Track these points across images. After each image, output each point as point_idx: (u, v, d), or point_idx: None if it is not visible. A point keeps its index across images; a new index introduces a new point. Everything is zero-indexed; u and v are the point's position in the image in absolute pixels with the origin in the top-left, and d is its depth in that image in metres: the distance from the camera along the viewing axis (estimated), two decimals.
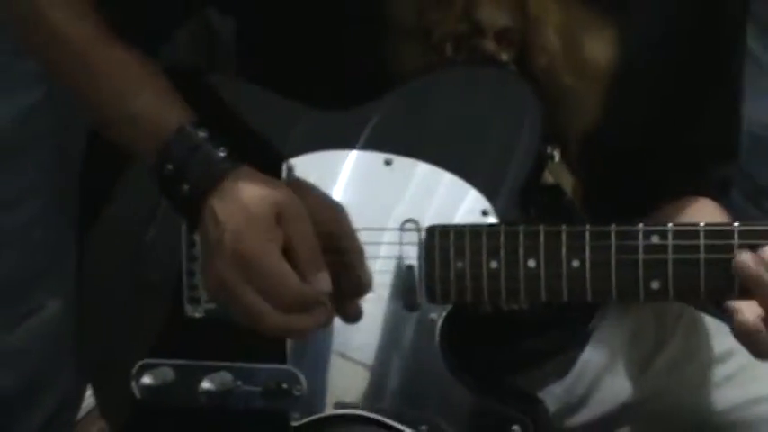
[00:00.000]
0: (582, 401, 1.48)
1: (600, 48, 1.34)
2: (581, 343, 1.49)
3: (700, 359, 1.48)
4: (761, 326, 1.23)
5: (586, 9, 1.32)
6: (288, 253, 1.23)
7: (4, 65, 1.93)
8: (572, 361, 1.48)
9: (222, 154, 1.27)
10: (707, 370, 1.47)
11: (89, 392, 2.17)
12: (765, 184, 1.77)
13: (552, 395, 1.46)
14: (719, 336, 1.49)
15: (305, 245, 1.24)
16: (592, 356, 1.49)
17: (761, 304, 1.22)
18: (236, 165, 1.27)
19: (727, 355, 1.47)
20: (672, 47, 1.37)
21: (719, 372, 1.46)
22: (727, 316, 1.28)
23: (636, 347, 1.50)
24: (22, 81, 1.95)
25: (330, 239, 1.27)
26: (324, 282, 1.24)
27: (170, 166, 1.28)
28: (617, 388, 1.48)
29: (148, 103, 1.31)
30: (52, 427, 2.10)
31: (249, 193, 1.24)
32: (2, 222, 1.98)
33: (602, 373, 1.48)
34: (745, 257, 1.22)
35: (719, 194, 1.45)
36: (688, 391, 1.46)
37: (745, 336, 1.25)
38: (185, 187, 1.27)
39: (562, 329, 1.47)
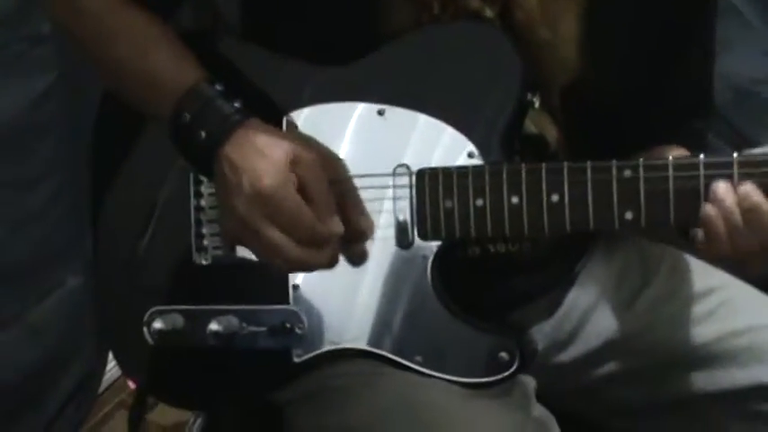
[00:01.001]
0: (570, 339, 1.55)
1: (572, 5, 1.42)
2: (568, 283, 1.56)
3: (682, 296, 1.54)
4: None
5: None
6: (302, 196, 1.31)
7: (20, 51, 2.01)
8: (560, 300, 1.55)
9: (236, 106, 1.36)
10: (689, 306, 1.53)
11: (110, 365, 2.25)
12: (750, 135, 1.83)
13: (541, 333, 1.54)
14: (700, 274, 1.56)
15: (318, 188, 1.32)
16: (579, 296, 1.56)
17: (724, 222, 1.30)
18: (249, 116, 1.36)
19: (708, 291, 1.54)
20: (644, 3, 1.44)
21: (701, 307, 1.53)
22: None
23: (621, 287, 1.56)
24: (36, 66, 2.03)
25: (332, 187, 1.35)
26: (336, 223, 1.32)
27: (187, 116, 1.36)
28: (603, 325, 1.55)
29: (166, 60, 1.40)
30: (75, 399, 2.17)
31: (264, 140, 1.33)
32: (23, 201, 2.05)
33: (588, 312, 1.55)
34: (718, 185, 1.30)
35: (694, 146, 1.50)
36: (671, 327, 1.52)
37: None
38: (202, 134, 1.36)
39: (549, 270, 1.54)
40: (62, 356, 2.14)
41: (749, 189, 1.29)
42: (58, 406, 2.16)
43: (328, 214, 1.32)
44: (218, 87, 1.38)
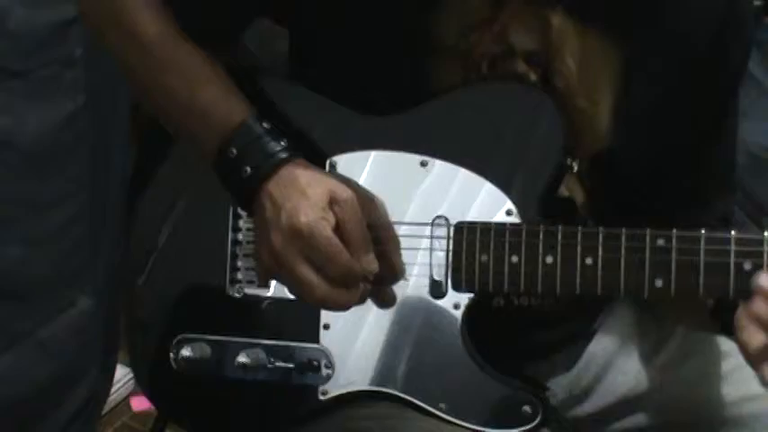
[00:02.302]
0: (586, 393, 1.59)
1: (610, 76, 1.46)
2: (587, 338, 1.60)
3: (697, 358, 1.57)
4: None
5: (600, 39, 1.44)
6: (339, 235, 1.34)
7: (52, 74, 2.03)
8: (578, 355, 1.59)
9: (282, 144, 1.40)
10: (704, 368, 1.56)
11: (115, 387, 2.26)
12: (765, 203, 1.86)
13: (559, 386, 1.58)
14: (716, 338, 1.59)
15: (355, 227, 1.35)
16: (596, 351, 1.59)
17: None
18: (294, 155, 1.40)
19: (723, 355, 1.57)
20: (676, 82, 1.48)
21: (716, 370, 1.56)
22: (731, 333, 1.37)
23: (638, 344, 1.60)
24: (66, 89, 2.05)
25: (369, 230, 1.38)
26: (372, 262, 1.36)
27: (234, 150, 1.40)
28: (618, 382, 1.58)
29: (216, 95, 1.43)
30: (79, 420, 2.17)
31: (305, 178, 1.37)
32: (42, 220, 2.06)
33: (605, 368, 1.59)
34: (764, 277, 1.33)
35: (719, 224, 1.55)
36: (685, 388, 1.56)
37: (746, 355, 1.35)
38: (247, 169, 1.39)
39: (569, 325, 1.58)
40: (69, 376, 2.15)
41: None
42: (62, 425, 2.16)
43: (363, 252, 1.35)
44: (266, 125, 1.41)
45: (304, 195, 1.35)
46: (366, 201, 1.41)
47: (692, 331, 1.60)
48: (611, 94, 1.46)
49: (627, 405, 1.57)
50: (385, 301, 1.42)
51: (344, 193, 1.36)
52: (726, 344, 1.57)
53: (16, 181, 2.02)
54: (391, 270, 1.41)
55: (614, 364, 1.59)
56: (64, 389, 2.13)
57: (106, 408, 2.34)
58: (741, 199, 1.60)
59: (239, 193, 1.42)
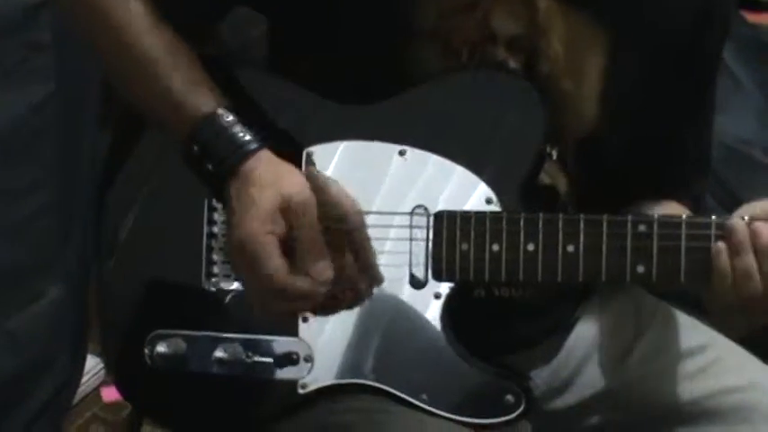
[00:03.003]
0: (565, 386, 1.58)
1: (595, 58, 1.46)
2: (565, 330, 1.59)
3: (673, 352, 1.57)
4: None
5: (587, 21, 1.44)
6: (290, 242, 1.33)
7: (20, 59, 2.00)
8: (557, 347, 1.59)
9: (247, 137, 1.37)
10: (681, 361, 1.56)
11: (85, 378, 2.24)
12: (740, 195, 1.89)
13: (539, 378, 1.56)
14: (692, 331, 1.60)
15: (306, 236, 1.32)
16: (575, 344, 1.59)
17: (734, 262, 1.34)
18: (258, 149, 1.36)
19: (701, 348, 1.57)
20: (658, 64, 1.48)
21: (693, 363, 1.56)
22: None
23: (615, 339, 1.60)
24: (35, 75, 2.01)
25: (343, 236, 1.35)
26: (323, 271, 1.32)
27: (196, 147, 1.38)
28: (596, 376, 1.58)
29: (186, 85, 1.40)
30: (49, 410, 2.14)
31: (260, 181, 1.34)
32: (13, 209, 2.03)
33: (584, 361, 1.58)
34: (739, 221, 1.34)
35: (694, 205, 1.57)
36: (662, 381, 1.55)
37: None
38: (209, 167, 1.37)
39: (549, 317, 1.57)
40: (38, 366, 2.12)
41: (763, 227, 1.33)
42: (31, 415, 2.14)
43: (314, 262, 1.32)
44: (232, 118, 1.38)
45: (253, 203, 1.33)
46: (342, 205, 1.36)
47: (670, 323, 1.60)
48: (597, 77, 1.46)
49: (606, 398, 1.56)
50: (359, 297, 1.39)
51: (298, 199, 1.32)
52: (704, 337, 1.58)
53: None
54: (364, 271, 1.38)
55: (593, 357, 1.58)
56: (33, 380, 2.11)
57: (76, 398, 2.32)
58: (714, 187, 1.61)
59: (208, 185, 1.40)
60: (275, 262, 1.31)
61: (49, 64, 2.01)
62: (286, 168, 1.37)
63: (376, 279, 1.38)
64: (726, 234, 1.35)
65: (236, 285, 1.48)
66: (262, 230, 1.32)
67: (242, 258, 1.33)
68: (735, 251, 1.33)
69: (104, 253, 1.56)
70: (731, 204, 1.86)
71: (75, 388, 2.26)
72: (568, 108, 1.46)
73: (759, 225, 1.34)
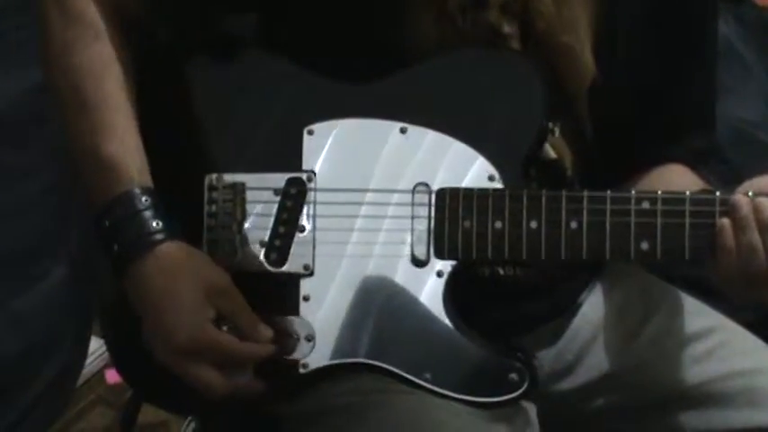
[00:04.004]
0: (570, 368, 1.57)
1: (586, 12, 1.44)
2: (571, 313, 1.57)
3: (681, 335, 1.56)
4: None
5: None
6: (223, 320, 1.37)
7: (23, 39, 1.99)
8: (562, 329, 1.57)
9: (158, 225, 1.38)
10: (688, 345, 1.55)
11: (89, 359, 2.24)
12: (743, 172, 1.88)
13: (543, 360, 1.55)
14: (700, 314, 1.58)
15: (237, 310, 1.38)
16: (581, 327, 1.57)
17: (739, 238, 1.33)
18: (167, 239, 1.38)
19: (707, 332, 1.55)
20: (651, 12, 1.47)
21: (699, 347, 1.54)
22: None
23: (622, 321, 1.58)
24: (35, 57, 2.01)
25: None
26: (265, 332, 1.40)
27: (107, 223, 1.39)
28: (602, 358, 1.56)
29: (116, 152, 1.40)
30: (53, 391, 2.15)
31: (177, 271, 1.37)
32: (17, 189, 2.04)
33: (589, 343, 1.57)
34: (741, 197, 1.33)
35: (695, 163, 1.55)
36: (669, 364, 1.54)
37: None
38: (115, 247, 1.38)
39: (554, 298, 1.55)
40: (43, 347, 2.12)
41: (766, 203, 1.32)
42: (34, 396, 2.14)
43: (254, 330, 1.39)
44: (146, 201, 1.39)
45: (177, 298, 1.36)
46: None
47: (678, 307, 1.59)
48: (592, 29, 1.44)
49: (611, 380, 1.55)
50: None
51: (220, 281, 1.38)
52: (711, 320, 1.57)
53: None
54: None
55: (599, 340, 1.56)
56: (38, 360, 2.11)
57: (81, 380, 2.32)
58: (721, 169, 1.59)
59: (111, 263, 1.40)
60: (226, 341, 1.37)
61: None
62: (197, 255, 1.41)
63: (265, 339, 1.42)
64: (729, 210, 1.33)
65: (237, 264, 1.46)
66: (200, 322, 1.36)
67: (185, 357, 1.37)
68: (739, 227, 1.32)
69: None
70: (739, 183, 1.85)
71: (80, 369, 2.26)
72: (570, 61, 1.44)
73: (762, 200, 1.32)
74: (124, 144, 1.41)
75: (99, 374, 2.43)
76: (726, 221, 1.33)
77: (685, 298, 1.60)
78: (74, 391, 2.30)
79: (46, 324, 2.12)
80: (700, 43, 1.55)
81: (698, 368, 1.53)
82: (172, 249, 1.38)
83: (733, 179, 1.90)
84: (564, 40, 1.43)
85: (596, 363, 1.56)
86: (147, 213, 1.38)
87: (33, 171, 2.06)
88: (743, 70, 2.14)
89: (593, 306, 1.58)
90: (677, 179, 1.51)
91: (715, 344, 1.54)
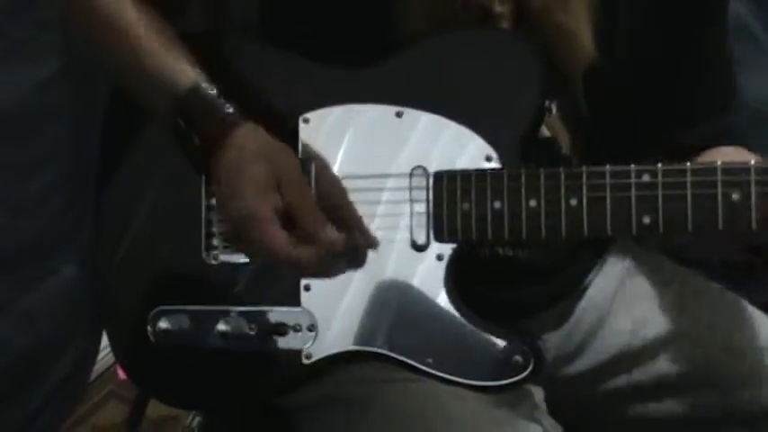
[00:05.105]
0: (577, 351, 1.55)
1: None
2: (577, 296, 1.55)
3: (692, 314, 1.54)
4: None
5: None
6: (288, 214, 1.32)
7: (26, 36, 1.98)
8: (568, 312, 1.55)
9: (230, 110, 1.35)
10: (700, 323, 1.53)
11: (101, 355, 2.23)
12: (757, 151, 1.85)
13: (549, 344, 1.53)
14: (710, 295, 1.56)
15: (303, 208, 1.32)
16: (587, 309, 1.55)
17: None
18: (242, 121, 1.35)
19: (721, 306, 1.54)
20: None
21: (713, 323, 1.52)
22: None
23: (631, 301, 1.56)
24: (42, 52, 2.00)
25: (330, 211, 1.35)
26: (330, 233, 1.32)
27: (181, 122, 1.36)
28: (612, 339, 1.54)
29: (164, 61, 1.39)
30: (65, 387, 2.15)
31: (251, 154, 1.34)
32: (24, 186, 2.03)
33: (597, 326, 1.55)
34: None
35: (730, 142, 1.48)
36: (681, 344, 1.52)
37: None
38: (196, 140, 1.36)
39: (558, 281, 1.53)
40: (55, 343, 2.12)
41: None
42: (46, 393, 2.14)
43: (318, 227, 1.32)
44: (213, 90, 1.37)
45: (246, 175, 1.33)
46: (326, 180, 1.39)
47: (687, 287, 1.56)
48: (591, 6, 1.42)
49: (620, 363, 1.53)
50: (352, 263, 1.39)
51: (291, 172, 1.34)
52: (722, 296, 1.55)
53: None
54: (360, 240, 1.38)
55: (607, 321, 1.55)
56: (49, 357, 2.10)
57: (93, 375, 2.32)
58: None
59: (194, 161, 1.39)
60: (278, 237, 1.31)
61: (57, 41, 1.99)
62: (271, 141, 1.37)
63: (369, 243, 1.38)
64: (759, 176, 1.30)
65: (236, 258, 1.46)
66: (258, 203, 1.31)
67: (239, 229, 1.32)
68: None
69: (106, 234, 1.56)
70: None
71: (92, 365, 2.25)
72: (566, 40, 1.41)
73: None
74: (169, 50, 1.40)
75: (111, 369, 2.43)
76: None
77: (695, 278, 1.58)
78: (87, 386, 2.29)
79: (57, 320, 2.11)
80: (706, 23, 1.51)
81: (711, 346, 1.51)
82: (250, 130, 1.36)
83: None
84: (560, 20, 1.41)
85: (605, 345, 1.54)
86: (219, 101, 1.36)
87: (40, 168, 2.04)
88: (754, 47, 2.11)
89: (599, 288, 1.56)
90: None
91: (727, 320, 1.53)
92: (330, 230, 1.33)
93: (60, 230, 2.07)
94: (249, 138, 1.35)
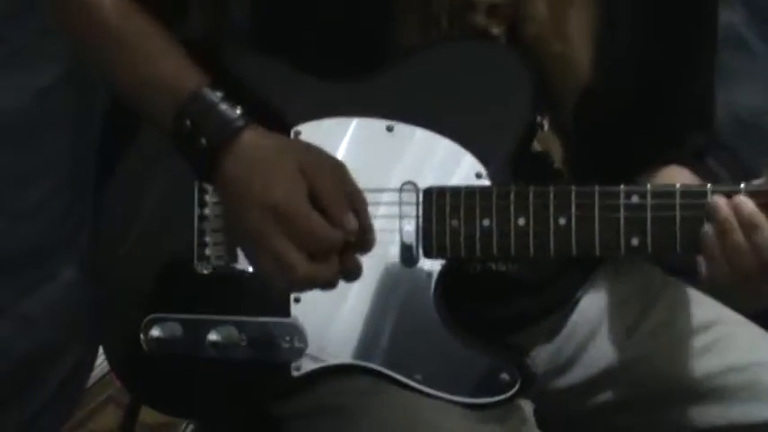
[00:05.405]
0: (568, 364, 1.54)
1: (584, 14, 1.42)
2: (569, 309, 1.55)
3: (682, 328, 1.54)
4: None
5: None
6: (313, 202, 1.30)
7: (28, 44, 2.00)
8: (560, 325, 1.55)
9: (238, 112, 1.35)
10: (688, 339, 1.52)
11: (99, 360, 2.24)
12: (754, 166, 1.85)
13: (540, 357, 1.53)
14: (702, 307, 1.55)
15: (330, 191, 1.31)
16: (579, 322, 1.55)
17: (723, 241, 1.29)
18: (251, 123, 1.35)
19: (709, 324, 1.53)
20: (652, 14, 1.44)
21: (701, 340, 1.52)
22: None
23: (621, 315, 1.55)
24: (43, 60, 2.02)
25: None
26: (353, 221, 1.31)
27: (188, 122, 1.35)
28: (602, 353, 1.54)
29: (168, 68, 1.39)
30: (64, 391, 2.16)
31: (270, 147, 1.33)
32: (24, 192, 2.04)
33: (588, 339, 1.54)
34: (719, 199, 1.30)
35: (693, 162, 1.51)
36: (670, 358, 1.52)
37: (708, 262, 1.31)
38: (203, 141, 1.34)
39: (550, 294, 1.53)
40: (52, 349, 2.13)
41: (745, 201, 1.29)
42: (45, 397, 2.15)
43: (342, 215, 1.31)
44: (220, 94, 1.37)
45: (272, 167, 1.31)
46: (334, 165, 1.36)
47: (679, 299, 1.56)
48: (586, 33, 1.42)
49: (610, 377, 1.53)
50: (352, 272, 1.36)
51: (314, 159, 1.32)
52: (710, 313, 1.54)
53: None
54: (363, 236, 1.35)
55: (597, 335, 1.54)
56: (47, 362, 2.12)
57: (91, 380, 2.33)
58: (725, 158, 1.56)
59: (199, 164, 1.37)
60: (314, 215, 1.29)
61: (58, 48, 2.00)
62: (284, 137, 1.37)
63: (371, 243, 1.36)
64: (708, 214, 1.30)
65: (228, 267, 1.47)
66: (291, 188, 1.30)
67: (276, 224, 1.29)
68: (721, 230, 1.29)
69: (97, 240, 1.56)
70: (745, 175, 1.82)
71: (90, 370, 2.27)
72: (559, 68, 1.42)
73: (741, 199, 1.29)
74: (172, 57, 1.40)
75: (109, 375, 2.43)
76: (708, 227, 1.30)
77: (687, 289, 1.57)
78: (85, 391, 2.30)
79: (55, 325, 2.13)
80: (701, 41, 1.52)
81: (699, 362, 1.51)
82: (259, 131, 1.35)
83: (737, 166, 1.86)
84: (556, 49, 1.41)
85: (595, 359, 1.54)
86: (226, 102, 1.36)
87: (40, 173, 2.07)
88: (746, 56, 2.11)
89: (591, 301, 1.56)
90: (674, 180, 1.47)
91: (717, 337, 1.52)
92: (352, 216, 1.31)
93: (60, 235, 2.09)
94: (262, 138, 1.34)
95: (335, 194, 1.32)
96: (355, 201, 1.35)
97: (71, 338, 2.15)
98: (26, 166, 2.05)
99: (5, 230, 2.04)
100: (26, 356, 2.10)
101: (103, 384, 2.44)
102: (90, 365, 2.25)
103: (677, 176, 1.48)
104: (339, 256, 1.33)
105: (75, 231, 2.09)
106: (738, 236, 1.28)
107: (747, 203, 1.29)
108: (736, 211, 1.29)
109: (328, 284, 1.33)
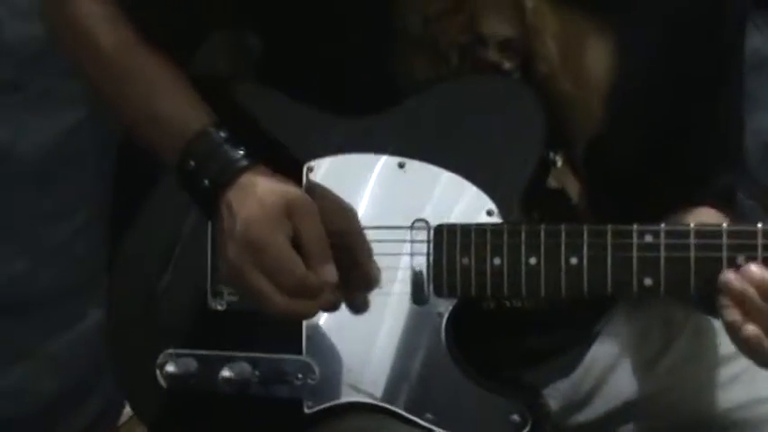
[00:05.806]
0: (588, 399, 1.53)
1: (598, 56, 1.40)
2: (587, 342, 1.53)
3: (705, 359, 1.51)
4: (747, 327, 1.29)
5: (584, 18, 1.39)
6: (297, 245, 1.31)
7: (51, 86, 2.03)
8: (578, 359, 1.53)
9: (240, 153, 1.36)
10: (712, 370, 1.50)
11: None
12: None
13: (558, 392, 1.51)
14: (725, 338, 1.51)
15: (313, 238, 1.31)
16: (598, 355, 1.53)
17: (748, 316, 1.28)
18: (253, 163, 1.36)
19: (733, 356, 1.47)
20: (671, 55, 1.42)
21: (724, 372, 1.50)
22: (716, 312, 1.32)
23: (643, 347, 1.53)
24: (66, 101, 2.05)
25: (341, 237, 1.35)
26: (329, 272, 1.31)
27: (192, 163, 1.37)
28: (622, 386, 1.52)
29: (173, 105, 1.40)
30: (96, 429, 2.17)
31: (263, 188, 1.33)
32: (49, 233, 2.06)
33: (608, 371, 1.52)
34: (728, 275, 1.28)
35: (721, 202, 1.49)
36: (693, 391, 1.50)
37: (732, 333, 1.30)
38: (205, 182, 1.36)
39: (569, 328, 1.51)
40: (80, 389, 2.14)
41: (754, 270, 1.27)
42: None
43: (322, 263, 1.31)
44: (224, 134, 1.38)
45: (260, 205, 1.32)
46: (338, 209, 1.37)
47: (701, 331, 1.54)
48: (599, 73, 1.41)
49: (631, 409, 1.51)
50: (357, 307, 1.37)
51: (302, 202, 1.33)
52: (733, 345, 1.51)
53: (18, 194, 2.03)
54: (365, 277, 1.36)
55: (618, 368, 1.52)
56: (75, 402, 2.13)
57: (123, 418, 2.32)
58: (757, 192, 1.54)
59: (201, 204, 1.39)
60: (292, 255, 1.30)
61: (80, 89, 2.02)
62: (282, 178, 1.37)
63: (375, 281, 1.37)
64: (723, 291, 1.28)
65: (242, 303, 1.46)
66: (273, 227, 1.31)
67: (252, 257, 1.31)
68: (739, 302, 1.28)
69: (113, 275, 1.57)
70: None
71: (121, 408, 2.26)
72: (573, 108, 1.41)
73: (750, 268, 1.28)
74: (178, 94, 1.42)
75: None
76: (725, 301, 1.28)
77: (709, 322, 1.54)
78: (116, 429, 2.29)
79: (85, 364, 2.14)
80: (727, 81, 1.49)
81: (722, 394, 1.49)
82: (260, 171, 1.36)
83: (765, 198, 1.83)
84: (566, 88, 1.40)
85: (616, 391, 1.52)
86: (229, 144, 1.37)
87: (64, 214, 2.09)
88: None
89: (610, 334, 1.54)
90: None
91: (741, 369, 1.49)
92: (331, 268, 1.32)
93: (85, 274, 2.10)
94: (260, 177, 1.35)
95: (317, 240, 1.32)
96: (356, 244, 1.36)
97: (100, 378, 2.16)
98: (51, 206, 2.08)
99: (31, 271, 2.06)
100: (54, 397, 2.11)
101: (133, 424, 2.44)
102: (120, 404, 2.25)
103: (705, 218, 1.46)
104: (346, 293, 1.34)
105: (102, 271, 2.10)
106: (757, 301, 1.27)
107: (757, 272, 1.27)
108: (749, 281, 1.27)
109: (307, 316, 1.36)
